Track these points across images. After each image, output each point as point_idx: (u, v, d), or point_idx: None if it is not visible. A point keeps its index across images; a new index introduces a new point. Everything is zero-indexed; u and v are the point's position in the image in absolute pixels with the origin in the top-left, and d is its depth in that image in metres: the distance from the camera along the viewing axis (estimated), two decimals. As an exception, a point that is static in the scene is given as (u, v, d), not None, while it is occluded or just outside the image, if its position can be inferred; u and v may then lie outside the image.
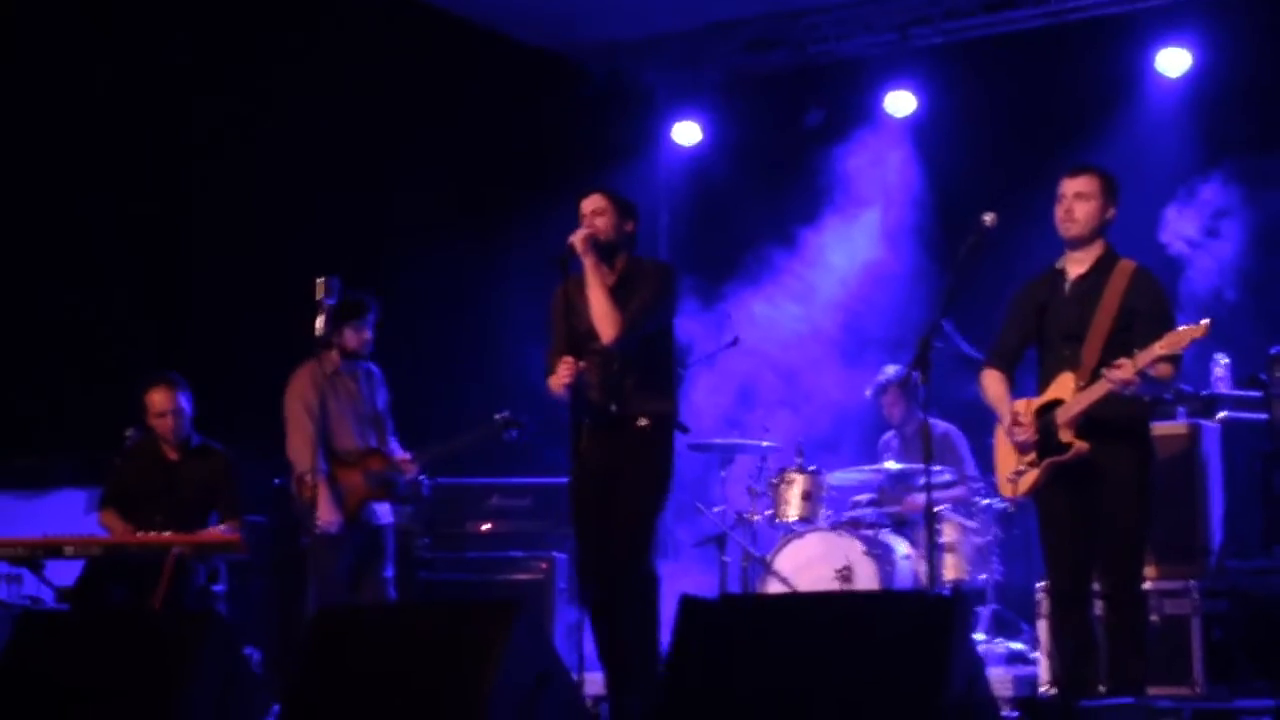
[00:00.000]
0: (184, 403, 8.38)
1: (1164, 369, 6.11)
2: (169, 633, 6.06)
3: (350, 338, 8.06)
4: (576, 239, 6.64)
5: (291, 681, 5.82)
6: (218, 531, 8.11)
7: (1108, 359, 6.17)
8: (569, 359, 6.62)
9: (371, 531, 8.02)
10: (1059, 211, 6.42)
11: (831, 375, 10.27)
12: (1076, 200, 6.38)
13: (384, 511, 8.10)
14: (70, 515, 9.05)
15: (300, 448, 7.85)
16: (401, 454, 8.08)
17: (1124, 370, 6.03)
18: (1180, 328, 6.06)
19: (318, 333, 7.22)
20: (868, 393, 9.42)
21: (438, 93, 10.94)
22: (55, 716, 5.87)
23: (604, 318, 6.57)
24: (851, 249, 10.45)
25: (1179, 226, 9.12)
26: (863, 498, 9.30)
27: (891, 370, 9.30)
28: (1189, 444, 7.63)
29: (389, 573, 8.10)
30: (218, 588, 8.37)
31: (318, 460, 7.77)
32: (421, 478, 8.18)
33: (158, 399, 8.35)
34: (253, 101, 10.52)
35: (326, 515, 7.71)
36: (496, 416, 7.90)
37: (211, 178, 10.79)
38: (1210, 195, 9.18)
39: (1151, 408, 6.54)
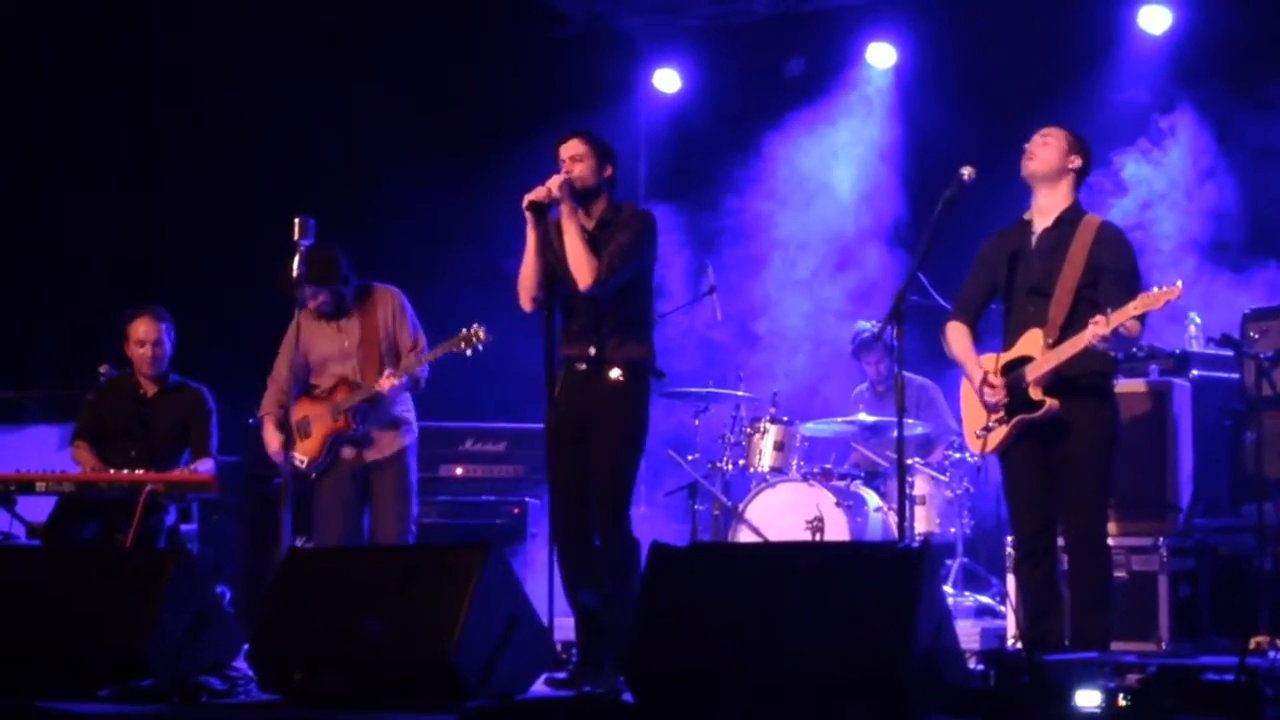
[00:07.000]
0: (166, 336, 8.33)
1: (1132, 325, 6.16)
2: (139, 570, 6.07)
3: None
4: (554, 184, 6.58)
5: (262, 620, 5.85)
6: (193, 471, 8.10)
7: (1075, 316, 6.22)
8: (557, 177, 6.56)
9: (363, 468, 7.75)
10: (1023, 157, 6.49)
11: (810, 326, 10.29)
12: (1039, 143, 6.44)
13: (375, 447, 7.75)
14: (43, 451, 9.03)
15: (269, 390, 7.83)
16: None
17: (1100, 326, 6.07)
18: (1155, 289, 6.09)
19: (294, 274, 7.17)
20: (850, 350, 9.42)
21: (418, 34, 10.88)
22: (26, 654, 5.88)
23: (580, 265, 6.52)
24: (831, 200, 10.45)
25: (1154, 181, 9.15)
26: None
27: (866, 325, 9.27)
28: (1160, 401, 7.64)
29: (404, 509, 7.68)
30: (189, 526, 8.36)
31: (285, 398, 7.57)
32: (422, 372, 7.77)
33: (141, 328, 8.29)
34: (226, 39, 10.46)
35: (269, 445, 7.72)
36: (464, 329, 7.54)
37: (185, 116, 10.74)
38: (1185, 151, 9.20)
39: (1116, 364, 6.57)
